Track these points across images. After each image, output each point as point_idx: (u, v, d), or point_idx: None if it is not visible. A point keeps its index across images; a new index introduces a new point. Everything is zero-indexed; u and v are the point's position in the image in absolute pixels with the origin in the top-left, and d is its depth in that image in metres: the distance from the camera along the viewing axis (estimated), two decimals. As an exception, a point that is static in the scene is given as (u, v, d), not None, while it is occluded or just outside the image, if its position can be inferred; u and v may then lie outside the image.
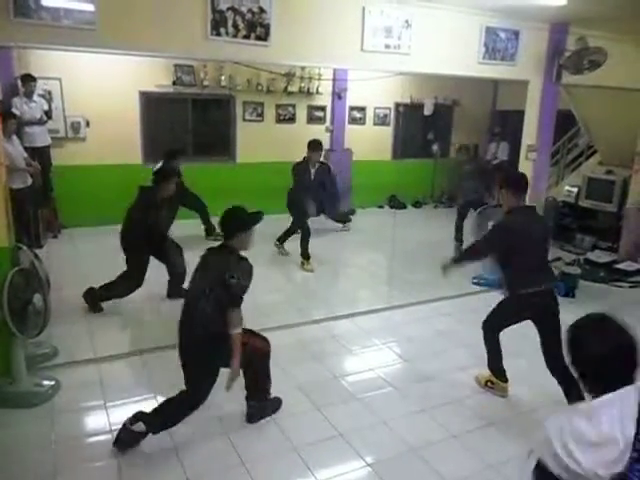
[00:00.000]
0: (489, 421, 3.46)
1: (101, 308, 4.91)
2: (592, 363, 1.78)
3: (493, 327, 3.75)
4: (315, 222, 8.25)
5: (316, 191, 6.87)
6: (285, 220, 8.35)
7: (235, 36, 4.05)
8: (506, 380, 3.78)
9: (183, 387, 3.58)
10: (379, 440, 3.24)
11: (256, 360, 3.25)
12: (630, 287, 6.23)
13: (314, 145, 6.56)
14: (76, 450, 3.02)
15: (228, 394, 3.13)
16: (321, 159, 6.98)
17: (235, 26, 4.03)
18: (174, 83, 7.93)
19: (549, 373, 3.56)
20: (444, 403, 3.64)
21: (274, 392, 3.69)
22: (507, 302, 3.70)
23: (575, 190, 8.09)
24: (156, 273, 6.13)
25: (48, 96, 7.11)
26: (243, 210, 3.17)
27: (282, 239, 6.90)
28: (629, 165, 7.19)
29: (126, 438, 2.97)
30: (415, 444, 3.18)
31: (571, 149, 9.40)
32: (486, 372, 3.86)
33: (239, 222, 3.15)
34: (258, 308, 5.15)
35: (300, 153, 8.91)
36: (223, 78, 8.14)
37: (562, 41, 5.43)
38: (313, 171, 6.64)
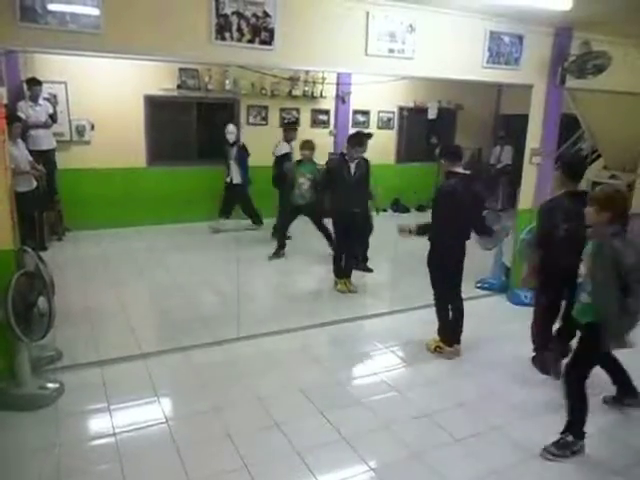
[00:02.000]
0: (493, 426, 3.45)
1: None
2: None
3: (441, 291, 4.36)
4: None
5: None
6: (294, 222, 8.37)
7: (239, 40, 4.06)
8: (451, 344, 4.35)
9: (190, 389, 3.60)
10: (382, 444, 3.23)
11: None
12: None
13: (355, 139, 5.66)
14: (80, 453, 3.03)
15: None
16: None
17: (240, 30, 4.04)
18: (179, 87, 7.98)
19: (551, 377, 3.93)
20: (448, 407, 3.63)
21: (274, 394, 3.69)
22: (433, 262, 4.29)
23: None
24: (156, 274, 6.16)
25: (53, 100, 7.16)
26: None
27: (338, 270, 5.87)
28: (633, 169, 7.18)
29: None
30: (419, 449, 3.18)
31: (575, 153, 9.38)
32: (435, 338, 4.42)
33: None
34: (263, 312, 5.17)
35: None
36: (227, 82, 8.19)
37: (566, 45, 5.41)
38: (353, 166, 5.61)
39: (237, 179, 7.79)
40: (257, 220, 8.14)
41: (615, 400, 3.67)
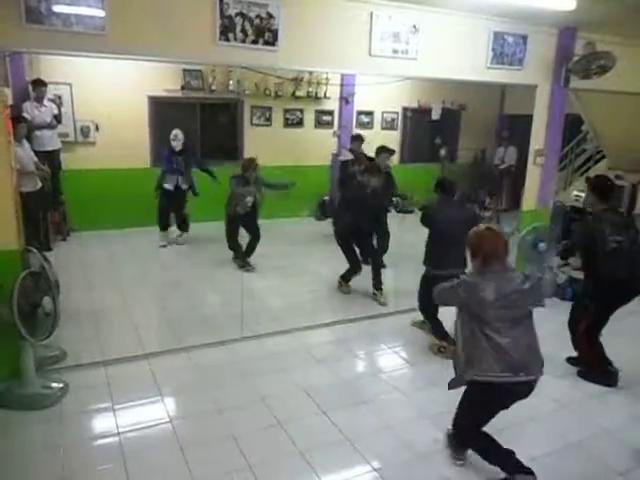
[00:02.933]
0: (496, 428, 3.43)
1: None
2: None
3: (427, 304, 4.40)
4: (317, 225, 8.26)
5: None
6: (297, 223, 8.36)
7: (243, 41, 4.07)
8: (453, 342, 4.23)
9: (194, 389, 3.60)
10: (385, 445, 3.23)
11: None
12: (639, 292, 6.18)
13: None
14: (84, 452, 3.04)
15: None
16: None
17: (243, 31, 4.05)
18: (183, 88, 7.99)
19: (553, 380, 3.86)
20: (451, 409, 3.62)
21: (278, 394, 3.70)
22: (424, 280, 4.50)
23: (583, 195, 8.03)
24: (160, 274, 6.18)
25: (58, 100, 7.18)
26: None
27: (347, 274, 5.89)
28: (638, 170, 7.16)
29: None
30: (422, 449, 3.18)
31: (579, 154, 9.36)
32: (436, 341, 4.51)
33: None
34: (266, 312, 5.18)
35: (307, 157, 8.98)
36: (231, 83, 8.20)
37: (570, 45, 5.40)
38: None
39: (184, 184, 7.12)
40: (186, 227, 7.48)
41: None
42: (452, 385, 3.00)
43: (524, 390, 2.83)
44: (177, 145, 6.94)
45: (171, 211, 7.31)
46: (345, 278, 5.83)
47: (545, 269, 5.72)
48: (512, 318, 2.76)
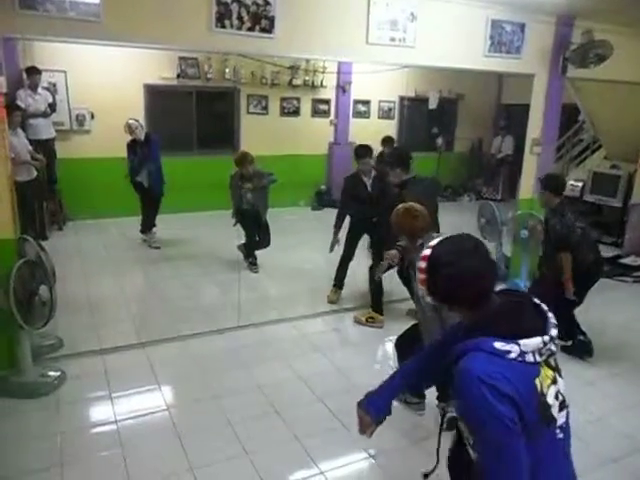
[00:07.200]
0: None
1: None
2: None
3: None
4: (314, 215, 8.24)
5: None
6: (293, 213, 8.33)
7: (240, 28, 4.04)
8: (382, 313, 4.78)
9: (191, 377, 3.61)
10: (381, 431, 3.23)
11: None
12: (634, 282, 6.21)
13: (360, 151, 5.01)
14: (82, 440, 3.06)
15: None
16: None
17: (240, 18, 4.02)
18: (178, 76, 7.95)
19: None
20: (446, 396, 3.66)
21: (274, 382, 3.72)
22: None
23: (580, 185, 8.06)
24: (157, 263, 6.17)
25: (53, 88, 7.13)
26: None
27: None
28: (634, 160, 7.17)
29: None
30: (417, 435, 3.20)
31: (576, 143, 9.37)
32: (364, 312, 4.82)
33: None
34: (263, 301, 5.19)
35: (304, 146, 8.96)
36: (227, 71, 8.15)
37: (568, 34, 5.39)
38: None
39: (154, 180, 6.59)
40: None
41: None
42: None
43: None
44: (140, 133, 6.46)
45: (153, 210, 6.90)
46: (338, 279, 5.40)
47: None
48: None
